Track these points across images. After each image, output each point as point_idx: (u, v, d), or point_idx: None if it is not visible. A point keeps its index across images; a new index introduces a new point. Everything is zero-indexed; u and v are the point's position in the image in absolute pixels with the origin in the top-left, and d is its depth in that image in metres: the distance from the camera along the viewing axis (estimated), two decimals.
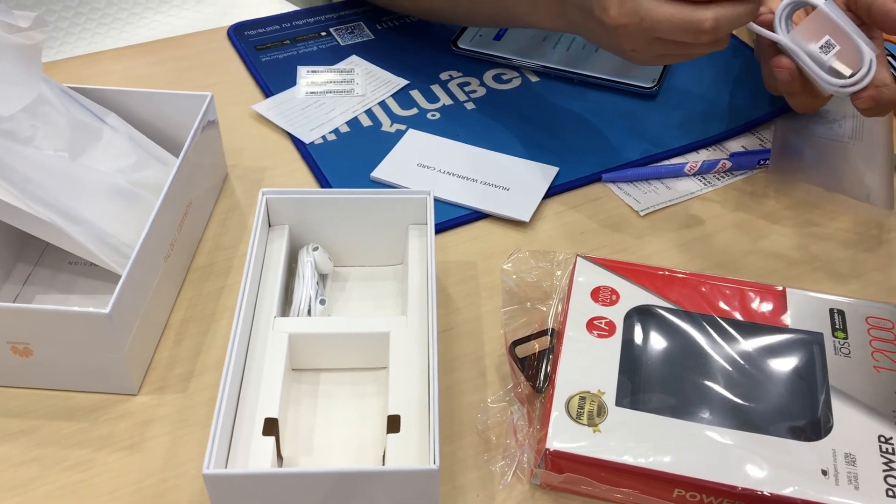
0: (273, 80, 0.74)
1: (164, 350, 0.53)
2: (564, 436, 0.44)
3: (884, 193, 0.62)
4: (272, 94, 0.72)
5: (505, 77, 0.75)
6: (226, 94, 0.72)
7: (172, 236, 0.54)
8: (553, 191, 0.64)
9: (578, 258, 0.54)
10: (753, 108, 0.71)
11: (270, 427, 0.45)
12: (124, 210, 0.55)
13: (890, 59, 0.76)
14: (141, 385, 0.51)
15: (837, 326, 0.50)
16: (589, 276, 0.53)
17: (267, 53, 0.77)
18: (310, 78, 0.74)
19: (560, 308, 0.52)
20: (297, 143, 0.68)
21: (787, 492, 0.42)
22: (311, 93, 0.72)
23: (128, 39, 1.07)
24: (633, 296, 0.51)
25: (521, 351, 0.51)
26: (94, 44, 1.08)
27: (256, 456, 0.44)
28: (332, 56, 0.77)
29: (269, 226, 0.55)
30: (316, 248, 0.55)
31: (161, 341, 0.53)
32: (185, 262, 0.58)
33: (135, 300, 0.49)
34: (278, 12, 0.82)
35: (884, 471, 0.43)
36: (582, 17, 0.59)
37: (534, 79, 0.75)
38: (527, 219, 0.61)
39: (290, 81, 0.73)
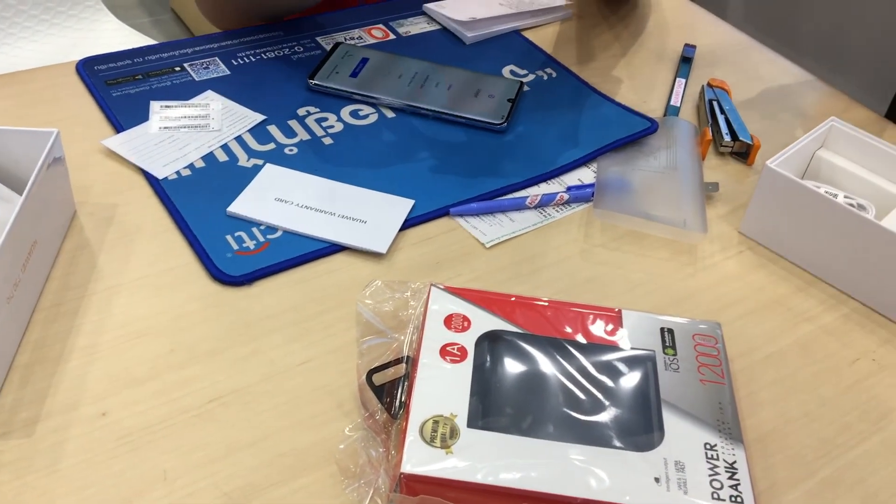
0: (124, 115, 0.73)
1: (8, 394, 0.51)
2: (418, 459, 0.46)
3: (698, 219, 0.68)
4: (124, 130, 0.71)
5: (362, 113, 0.77)
6: (74, 129, 0.71)
7: (16, 276, 0.52)
8: (409, 223, 0.66)
9: (432, 287, 0.56)
10: (590, 143, 0.76)
11: None
12: None
13: (715, 102, 0.83)
14: None
15: (668, 344, 0.54)
16: (442, 304, 0.55)
17: (118, 88, 0.76)
18: (163, 113, 0.73)
19: (415, 336, 0.54)
20: (150, 178, 0.67)
21: (625, 500, 0.45)
22: (165, 128, 0.72)
23: None
24: (484, 322, 0.54)
25: (379, 379, 0.52)
26: None
27: None
28: (186, 91, 0.76)
29: None
30: None
31: (5, 385, 0.51)
32: (31, 302, 0.56)
33: None
34: (129, 47, 0.81)
35: (709, 475, 0.47)
36: None
37: (389, 114, 0.77)
38: (384, 250, 0.63)
39: (143, 117, 0.73)
